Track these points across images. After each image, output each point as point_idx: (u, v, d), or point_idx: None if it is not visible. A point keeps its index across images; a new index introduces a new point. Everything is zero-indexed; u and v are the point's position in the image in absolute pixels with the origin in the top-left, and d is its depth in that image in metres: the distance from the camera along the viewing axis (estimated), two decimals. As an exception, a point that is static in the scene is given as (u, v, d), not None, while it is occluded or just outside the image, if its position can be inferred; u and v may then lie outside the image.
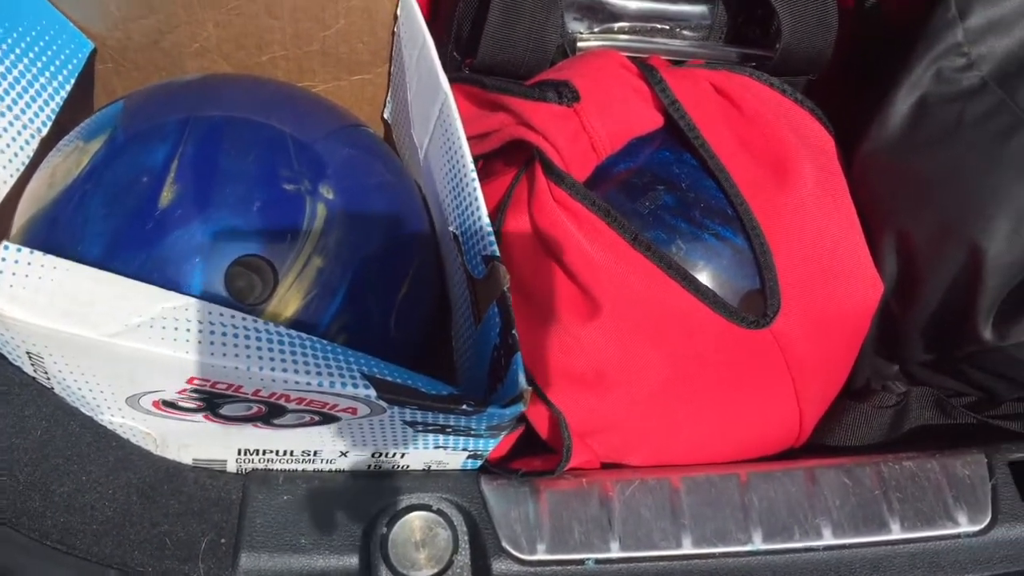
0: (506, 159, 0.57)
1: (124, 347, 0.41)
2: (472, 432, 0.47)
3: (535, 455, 0.54)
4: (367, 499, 0.50)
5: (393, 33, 0.58)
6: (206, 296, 0.47)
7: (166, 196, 0.48)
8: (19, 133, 0.55)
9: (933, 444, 0.59)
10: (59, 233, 0.49)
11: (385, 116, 0.66)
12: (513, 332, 0.46)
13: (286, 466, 0.51)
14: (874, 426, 0.59)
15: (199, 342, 0.42)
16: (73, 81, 0.60)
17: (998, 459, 0.55)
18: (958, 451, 0.55)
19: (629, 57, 0.59)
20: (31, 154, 0.55)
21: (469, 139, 0.54)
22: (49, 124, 0.57)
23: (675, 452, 0.54)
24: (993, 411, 0.60)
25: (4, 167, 0.53)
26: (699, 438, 0.54)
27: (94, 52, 0.61)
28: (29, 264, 0.41)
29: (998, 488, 0.54)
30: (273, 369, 0.42)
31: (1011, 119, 0.50)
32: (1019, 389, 0.58)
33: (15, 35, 0.55)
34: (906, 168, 0.54)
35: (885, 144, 0.55)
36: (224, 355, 0.42)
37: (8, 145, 0.53)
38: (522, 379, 0.44)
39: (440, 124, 0.53)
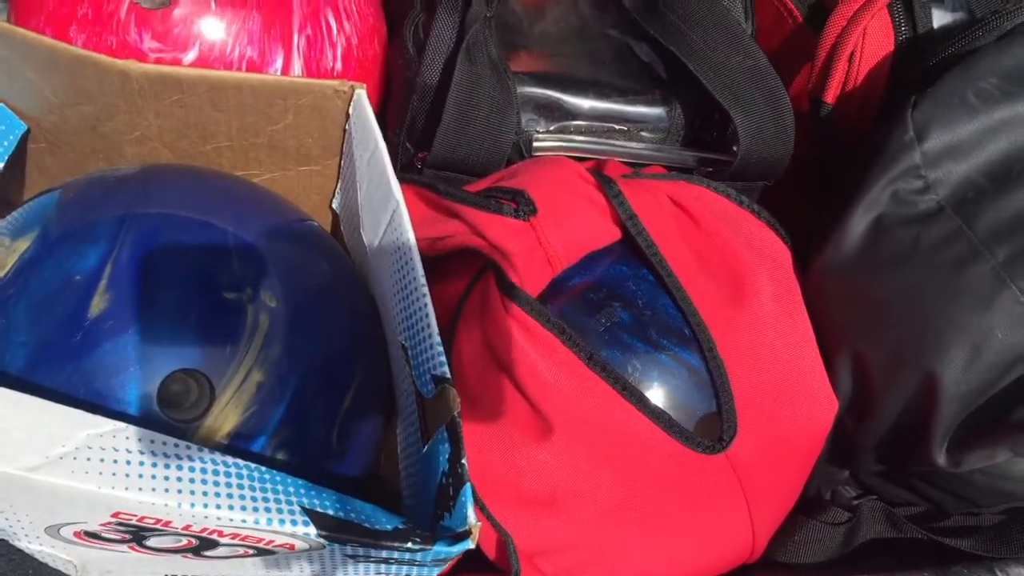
0: (459, 261, 0.55)
1: (44, 483, 0.38)
2: (416, 563, 0.45)
3: (481, 573, 0.52)
4: (303, 627, 0.47)
5: (344, 130, 0.56)
6: (137, 415, 0.44)
7: (97, 304, 0.46)
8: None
9: (884, 557, 0.58)
10: (-22, 342, 0.46)
11: (334, 206, 0.64)
12: (463, 462, 0.44)
13: (218, 590, 0.48)
14: (826, 543, 0.58)
15: (126, 475, 0.39)
16: (3, 163, 0.57)
17: (948, 584, 0.54)
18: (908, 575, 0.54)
19: (586, 160, 0.58)
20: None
21: (422, 240, 0.52)
22: (-23, 206, 0.54)
23: (626, 573, 0.53)
24: (942, 522, 0.60)
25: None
26: (651, 559, 0.52)
27: (27, 133, 0.59)
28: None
29: (949, 615, 0.53)
30: (206, 506, 0.39)
31: (967, 248, 0.50)
32: (967, 505, 0.57)
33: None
34: (862, 289, 0.53)
35: (841, 262, 0.54)
36: (153, 490, 0.39)
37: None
38: (471, 514, 0.42)
39: (390, 232, 0.51)
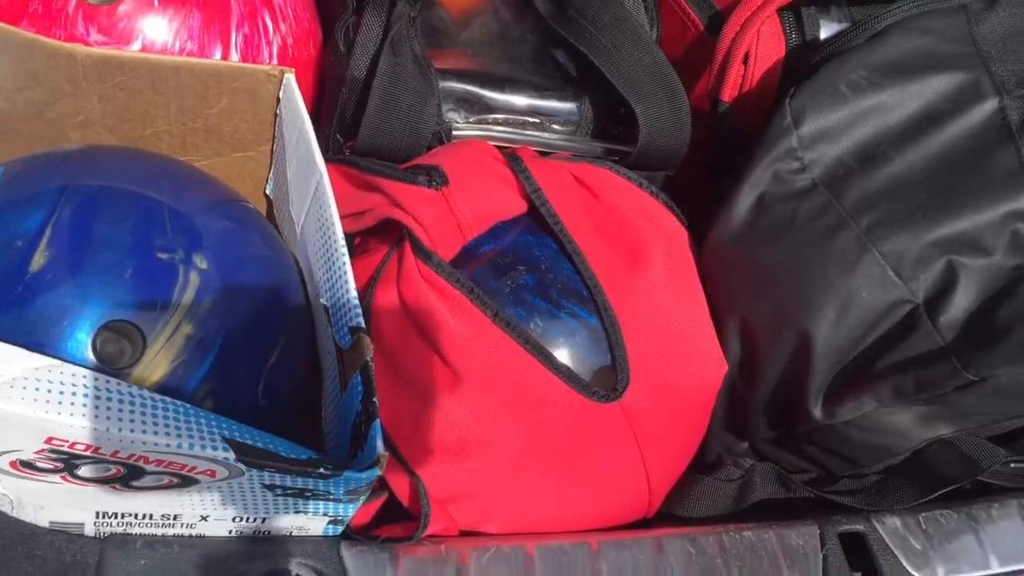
0: (380, 237, 0.60)
1: (-18, 405, 0.42)
2: (331, 497, 0.49)
3: (398, 523, 0.56)
4: (226, 564, 0.50)
5: (276, 114, 0.61)
6: (73, 359, 0.48)
7: (38, 260, 0.49)
8: None
9: (775, 517, 0.63)
10: (-75, 296, 0.49)
11: (267, 192, 0.68)
12: (374, 400, 0.48)
13: (145, 530, 0.51)
14: (719, 498, 0.63)
15: (59, 403, 0.43)
16: (-48, 147, 0.61)
17: (829, 531, 0.59)
18: (793, 522, 0.59)
19: (500, 147, 0.63)
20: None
21: (345, 216, 0.57)
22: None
23: (531, 520, 0.57)
24: (830, 487, 0.65)
25: None
26: (554, 506, 0.57)
27: (-23, 119, 0.63)
28: None
29: (828, 558, 0.58)
30: (132, 431, 0.43)
31: (836, 219, 0.56)
32: (851, 466, 0.62)
33: None
34: (747, 259, 0.59)
35: (729, 236, 0.60)
36: (84, 416, 0.43)
37: None
38: (379, 445, 0.46)
39: (315, 201, 0.55)
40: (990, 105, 0.57)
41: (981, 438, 0.59)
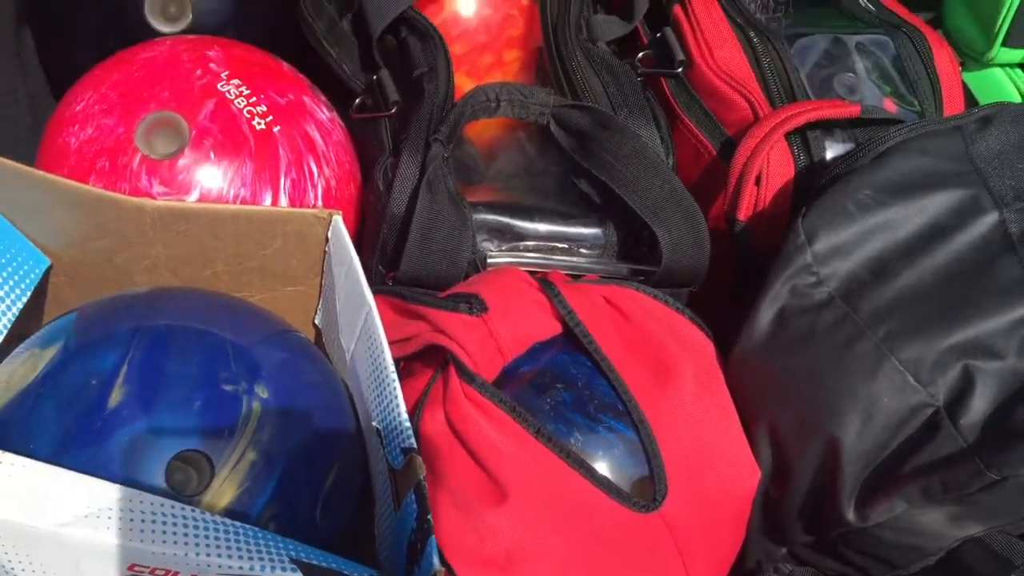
0: (424, 361, 0.64)
1: (72, 536, 0.45)
2: (390, 612, 0.52)
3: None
4: None
5: (324, 252, 0.66)
6: (149, 488, 0.51)
7: (115, 397, 0.54)
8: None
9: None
10: (11, 432, 0.53)
11: (316, 322, 0.72)
12: (428, 517, 0.51)
13: (215, 652, 0.54)
14: (761, 605, 0.64)
15: (141, 531, 0.46)
16: (29, 294, 0.65)
17: (870, 634, 0.60)
18: (833, 628, 0.61)
19: (532, 272, 0.67)
20: (-15, 363, 0.60)
21: (391, 343, 0.61)
22: (3, 334, 0.62)
23: (579, 631, 0.59)
24: (871, 589, 0.66)
25: (-40, 375, 0.58)
26: (600, 617, 0.59)
27: (49, 267, 0.68)
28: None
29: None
30: (208, 555, 0.46)
31: (854, 330, 0.59)
32: (888, 568, 0.64)
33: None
34: (770, 369, 0.62)
35: (753, 348, 0.63)
36: (164, 542, 0.46)
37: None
38: (435, 560, 0.49)
39: (364, 331, 0.59)
40: (991, 218, 0.61)
41: (1012, 536, 0.61)
